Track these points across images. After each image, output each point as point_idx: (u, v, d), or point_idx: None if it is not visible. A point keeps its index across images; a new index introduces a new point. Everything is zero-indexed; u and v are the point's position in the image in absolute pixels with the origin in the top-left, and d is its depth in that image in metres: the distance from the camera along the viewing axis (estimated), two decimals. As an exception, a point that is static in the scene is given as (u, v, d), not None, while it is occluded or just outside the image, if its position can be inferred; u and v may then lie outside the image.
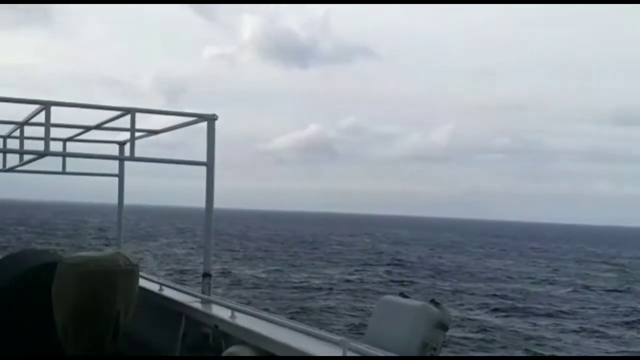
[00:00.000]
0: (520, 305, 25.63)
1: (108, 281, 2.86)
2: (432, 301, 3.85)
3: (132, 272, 3.03)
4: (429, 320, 3.65)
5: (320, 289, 27.68)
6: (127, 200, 6.21)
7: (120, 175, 6.06)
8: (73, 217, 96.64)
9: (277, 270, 34.58)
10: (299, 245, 56.70)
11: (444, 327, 3.71)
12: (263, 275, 31.59)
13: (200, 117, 4.54)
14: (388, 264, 41.13)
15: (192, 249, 44.61)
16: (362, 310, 22.08)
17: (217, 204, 4.66)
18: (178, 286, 5.22)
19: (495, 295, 28.29)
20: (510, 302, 26.48)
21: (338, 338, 3.19)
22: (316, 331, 3.45)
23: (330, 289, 27.80)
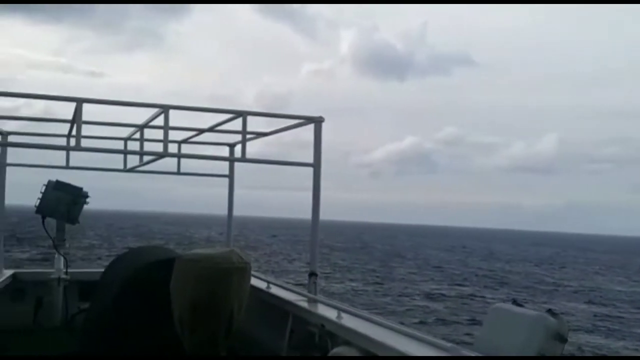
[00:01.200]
0: (632, 330, 23.91)
1: (223, 277, 2.93)
2: (549, 311, 3.63)
3: (244, 270, 3.09)
4: (545, 331, 3.43)
5: (417, 303, 27.20)
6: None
7: (230, 176, 6.27)
8: (182, 228, 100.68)
9: (374, 283, 34.37)
10: (396, 259, 56.09)
11: (562, 338, 3.48)
12: (360, 288, 31.49)
13: (308, 120, 4.60)
14: (488, 280, 39.77)
15: (293, 260, 45.21)
16: (460, 323, 21.49)
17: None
18: (285, 284, 5.28)
19: (603, 316, 26.61)
20: (619, 324, 24.79)
21: (448, 344, 3.08)
22: (425, 336, 3.34)
23: (427, 304, 27.24)
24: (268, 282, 5.15)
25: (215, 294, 2.95)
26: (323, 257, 47.46)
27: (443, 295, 30.46)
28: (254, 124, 5.18)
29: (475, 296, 30.76)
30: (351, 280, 34.80)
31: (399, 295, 29.28)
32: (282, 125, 5.07)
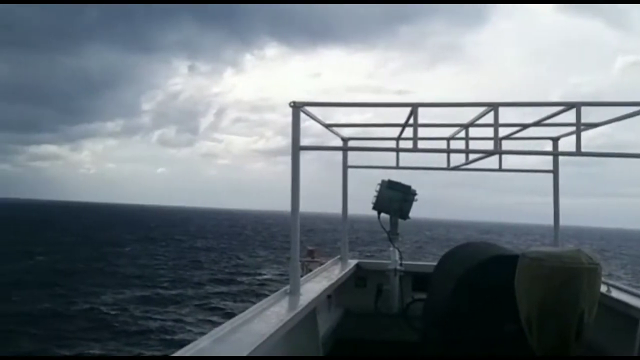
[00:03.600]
0: None
1: (571, 278, 2.79)
2: None
3: (595, 271, 2.88)
4: None
5: None
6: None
7: (555, 171, 5.98)
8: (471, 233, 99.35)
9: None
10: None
11: None
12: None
13: None
14: None
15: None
16: None
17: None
18: (629, 288, 4.84)
19: None
20: None
21: None
22: None
23: None
24: (608, 285, 4.76)
25: (564, 295, 2.82)
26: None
27: None
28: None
29: None
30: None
31: None
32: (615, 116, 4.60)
